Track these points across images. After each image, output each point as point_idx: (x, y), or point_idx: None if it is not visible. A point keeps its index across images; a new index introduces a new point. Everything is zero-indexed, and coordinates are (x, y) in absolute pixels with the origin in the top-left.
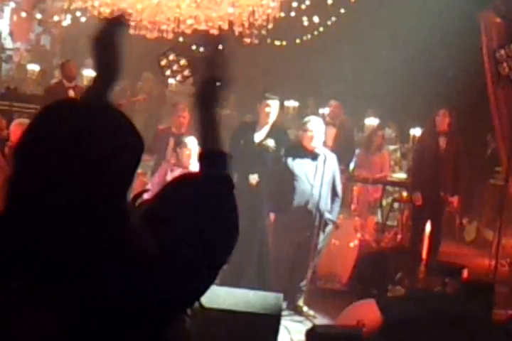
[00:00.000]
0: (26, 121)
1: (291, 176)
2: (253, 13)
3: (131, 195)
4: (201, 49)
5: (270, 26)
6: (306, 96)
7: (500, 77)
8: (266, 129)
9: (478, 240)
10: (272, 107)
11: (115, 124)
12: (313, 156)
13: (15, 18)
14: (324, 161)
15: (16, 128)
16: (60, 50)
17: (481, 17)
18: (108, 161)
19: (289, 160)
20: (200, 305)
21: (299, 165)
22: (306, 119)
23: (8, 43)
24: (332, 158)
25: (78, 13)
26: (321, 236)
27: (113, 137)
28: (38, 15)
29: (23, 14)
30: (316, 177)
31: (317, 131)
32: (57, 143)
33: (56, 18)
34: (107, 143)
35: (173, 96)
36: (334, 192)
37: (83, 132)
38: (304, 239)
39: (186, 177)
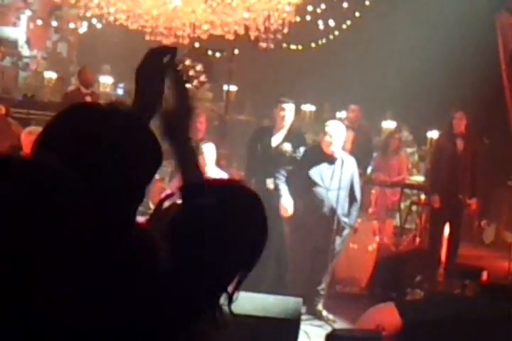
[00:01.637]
0: (37, 128)
1: (307, 179)
2: (268, 17)
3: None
4: (217, 54)
5: (286, 30)
6: (322, 101)
7: None
8: (283, 133)
9: (497, 242)
10: (287, 111)
11: (136, 136)
12: (331, 160)
13: (31, 26)
14: (342, 165)
15: (26, 136)
16: (77, 57)
17: (497, 18)
18: (121, 172)
19: (308, 164)
20: (231, 313)
21: (315, 169)
22: (327, 123)
23: (25, 51)
24: (350, 162)
25: (94, 21)
26: (338, 240)
27: (132, 150)
28: (54, 23)
29: (39, 22)
30: (333, 181)
31: (337, 135)
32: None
33: (72, 26)
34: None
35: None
36: (352, 197)
37: (99, 138)
38: (321, 243)
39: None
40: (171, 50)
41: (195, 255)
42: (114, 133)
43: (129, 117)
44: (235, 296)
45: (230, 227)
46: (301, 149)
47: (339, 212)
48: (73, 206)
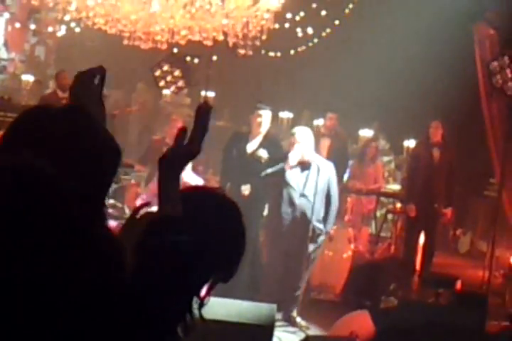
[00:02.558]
0: None
1: (282, 186)
2: (247, 24)
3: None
4: (195, 60)
5: (264, 37)
6: (300, 108)
7: (493, 88)
8: (258, 140)
9: (472, 251)
10: (264, 117)
11: (87, 129)
12: (304, 167)
13: (9, 28)
14: (318, 171)
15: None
16: (55, 61)
17: (474, 29)
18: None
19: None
20: (201, 317)
21: (289, 176)
22: (294, 130)
23: (3, 54)
24: (326, 168)
25: (73, 24)
26: (312, 247)
27: (86, 144)
28: (33, 26)
29: (18, 25)
30: (307, 187)
31: (305, 141)
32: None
33: (50, 29)
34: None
35: (168, 107)
36: (329, 202)
37: (56, 138)
38: (296, 250)
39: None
40: (100, 71)
41: (167, 262)
42: (68, 134)
43: (84, 117)
44: (206, 301)
45: (206, 235)
46: (277, 156)
47: (314, 218)
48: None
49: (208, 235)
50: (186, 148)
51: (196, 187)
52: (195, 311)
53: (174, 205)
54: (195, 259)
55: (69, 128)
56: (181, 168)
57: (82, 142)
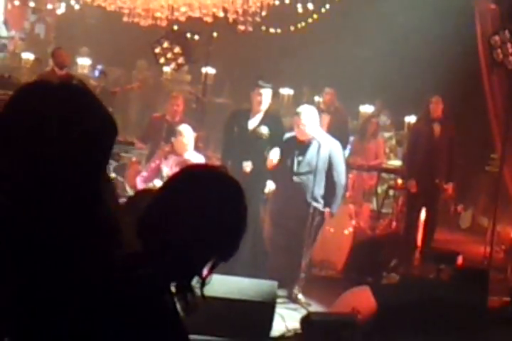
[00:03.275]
0: None
1: (281, 165)
2: (247, 0)
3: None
4: (196, 37)
5: (264, 13)
6: (301, 84)
7: (494, 63)
8: (259, 117)
9: (473, 227)
10: (264, 96)
11: (83, 105)
12: (305, 146)
13: (9, 6)
14: (318, 149)
15: None
16: (55, 39)
17: (475, 4)
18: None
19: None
20: (203, 296)
21: (289, 154)
22: (298, 110)
23: (3, 32)
24: (328, 145)
25: (72, 2)
26: (314, 224)
27: (79, 120)
28: (32, 4)
29: (17, 3)
30: (308, 166)
31: (309, 121)
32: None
33: (50, 6)
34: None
35: (169, 84)
36: (330, 180)
37: (53, 115)
38: (297, 227)
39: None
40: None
41: (167, 238)
42: (64, 108)
43: (77, 91)
44: (208, 280)
45: (206, 212)
46: (278, 133)
47: (313, 196)
48: None
49: (209, 213)
50: None
51: (197, 165)
52: (197, 290)
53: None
54: (196, 237)
55: (65, 104)
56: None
57: (79, 118)
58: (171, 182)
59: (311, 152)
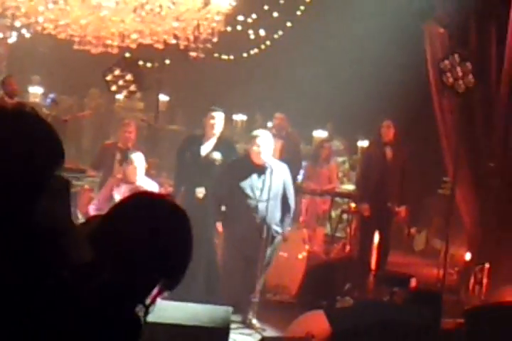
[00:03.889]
0: None
1: (237, 191)
2: (198, 26)
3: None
4: (148, 64)
5: (215, 40)
6: (254, 110)
7: (444, 86)
8: (212, 142)
9: (427, 250)
10: (217, 119)
11: (29, 131)
12: (261, 171)
13: None
14: (271, 174)
15: None
16: (6, 67)
17: (425, 28)
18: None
19: (236, 175)
20: (144, 321)
21: (246, 181)
22: (255, 133)
23: None
24: (281, 170)
25: (24, 30)
26: (269, 249)
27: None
28: None
29: None
30: (264, 192)
31: (265, 145)
32: None
33: (0, 35)
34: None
35: (121, 112)
36: (285, 204)
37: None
38: (252, 252)
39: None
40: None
41: (110, 263)
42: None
43: (29, 119)
44: (151, 308)
45: (151, 239)
46: (231, 158)
47: (271, 221)
48: None
49: (154, 240)
50: None
51: (145, 192)
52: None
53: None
54: (139, 263)
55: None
56: None
57: (15, 139)
58: (119, 207)
59: (269, 177)
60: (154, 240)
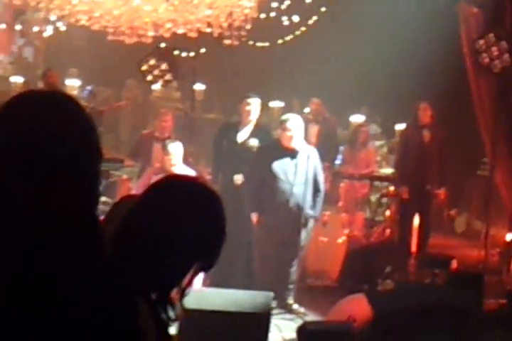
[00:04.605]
0: None
1: (271, 176)
2: (231, 14)
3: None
4: (183, 53)
5: (249, 27)
6: (290, 97)
7: (480, 67)
8: (249, 129)
9: (468, 231)
10: (253, 105)
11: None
12: (293, 155)
13: None
14: (307, 159)
15: None
16: (44, 61)
17: (459, 8)
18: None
19: (268, 160)
20: (183, 307)
21: (278, 165)
22: (284, 118)
23: None
24: (311, 154)
25: (59, 24)
26: (304, 233)
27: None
28: (18, 27)
29: (4, 26)
30: (298, 175)
31: (296, 129)
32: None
33: (36, 29)
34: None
35: (158, 102)
36: (316, 188)
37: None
38: (287, 237)
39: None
40: None
41: (144, 246)
42: (50, 118)
43: (67, 102)
44: (187, 291)
45: (184, 221)
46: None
47: (304, 205)
48: None
49: (187, 222)
50: None
51: (177, 175)
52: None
53: None
54: (173, 246)
55: (51, 113)
56: None
57: (65, 127)
58: (151, 190)
59: (302, 162)
60: (188, 221)
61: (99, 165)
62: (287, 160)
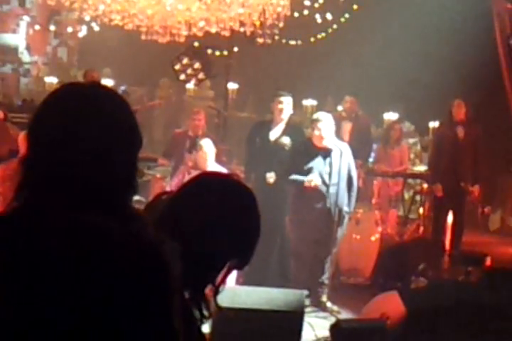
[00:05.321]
0: None
1: (303, 175)
2: (263, 12)
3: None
4: (217, 52)
5: (281, 25)
6: (324, 95)
7: None
8: (281, 127)
9: (502, 228)
10: (285, 103)
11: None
12: (326, 154)
13: (31, 31)
14: (340, 156)
15: (23, 139)
16: (78, 61)
17: (493, 4)
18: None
19: (302, 159)
20: (216, 305)
21: (312, 166)
22: (315, 117)
23: (26, 57)
24: (344, 151)
25: (93, 24)
26: (339, 231)
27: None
28: (52, 27)
29: (38, 27)
30: (332, 175)
31: (326, 128)
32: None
33: (70, 30)
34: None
35: (192, 101)
36: (350, 183)
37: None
38: (323, 235)
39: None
40: None
41: (179, 242)
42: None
43: (109, 93)
44: (221, 289)
45: (219, 219)
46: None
47: (342, 204)
48: None
49: (222, 220)
50: None
51: (211, 173)
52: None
53: None
54: (208, 243)
55: (95, 104)
56: None
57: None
58: (186, 187)
59: (335, 160)
60: (223, 218)
61: (138, 153)
62: (320, 159)
